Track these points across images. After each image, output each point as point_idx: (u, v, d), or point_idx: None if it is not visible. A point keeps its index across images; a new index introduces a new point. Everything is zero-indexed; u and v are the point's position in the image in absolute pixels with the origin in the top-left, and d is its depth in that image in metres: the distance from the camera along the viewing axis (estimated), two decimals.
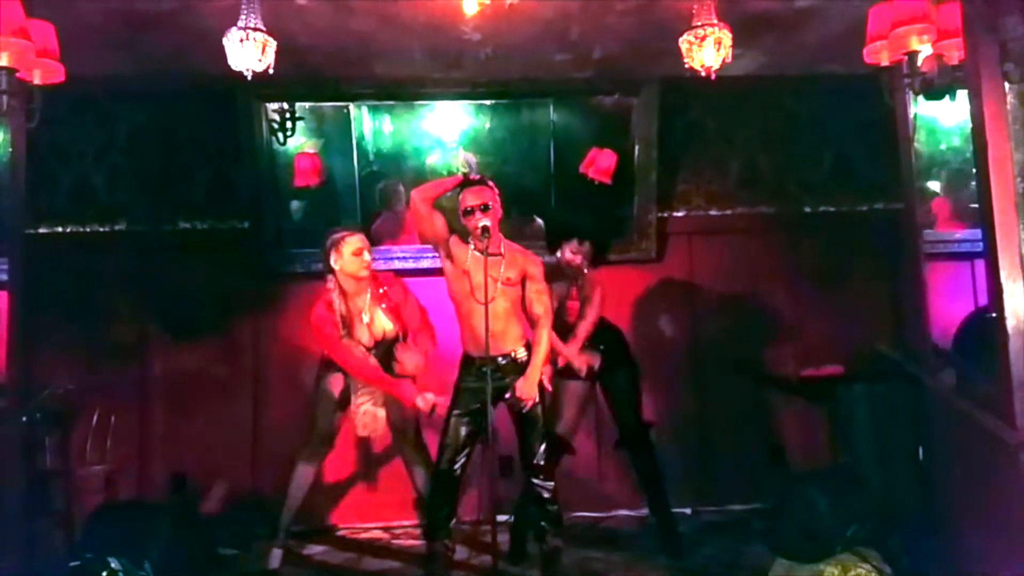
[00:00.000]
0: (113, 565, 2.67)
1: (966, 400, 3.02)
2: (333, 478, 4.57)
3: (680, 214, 4.95)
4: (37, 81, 3.17)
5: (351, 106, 4.86)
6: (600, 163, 4.78)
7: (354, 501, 4.58)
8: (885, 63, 3.24)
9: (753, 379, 4.80)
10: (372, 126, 5.04)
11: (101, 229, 4.72)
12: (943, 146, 4.94)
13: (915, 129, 3.50)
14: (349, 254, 3.72)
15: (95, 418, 4.18)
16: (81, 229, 4.71)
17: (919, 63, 3.00)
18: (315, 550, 4.33)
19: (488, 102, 4.96)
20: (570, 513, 4.30)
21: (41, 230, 4.61)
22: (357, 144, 4.92)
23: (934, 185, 4.97)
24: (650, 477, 4.08)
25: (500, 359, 3.54)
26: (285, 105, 4.69)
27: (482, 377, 3.45)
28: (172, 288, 4.68)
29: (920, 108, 3.53)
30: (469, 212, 3.52)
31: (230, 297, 4.71)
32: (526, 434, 3.59)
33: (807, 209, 4.96)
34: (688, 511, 4.61)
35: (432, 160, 5.06)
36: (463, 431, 3.60)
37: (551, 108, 4.95)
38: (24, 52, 2.98)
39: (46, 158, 4.57)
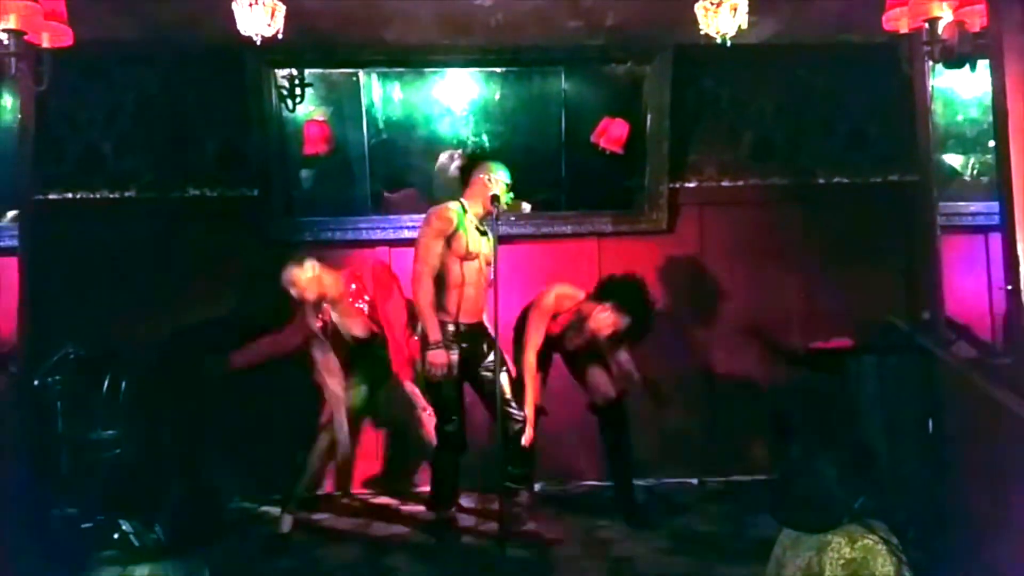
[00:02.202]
0: (124, 527, 2.70)
1: (978, 373, 3.00)
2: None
3: (692, 185, 4.91)
4: (45, 44, 3.15)
5: (360, 73, 4.82)
6: (612, 132, 4.74)
7: (362, 468, 4.60)
8: (904, 30, 3.18)
9: (762, 350, 4.80)
10: (382, 94, 5.00)
11: (111, 196, 4.72)
12: (960, 117, 4.88)
13: (932, 99, 3.44)
14: (299, 291, 3.84)
15: (106, 383, 4.20)
16: (91, 196, 4.72)
17: (939, 30, 2.94)
18: (324, 516, 4.38)
19: (499, 70, 4.91)
20: (576, 482, 4.33)
21: (51, 196, 4.61)
22: (367, 112, 4.89)
23: (950, 157, 4.93)
24: (617, 447, 4.08)
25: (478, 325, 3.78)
26: (294, 71, 4.66)
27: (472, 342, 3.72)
28: (181, 255, 4.68)
29: (936, 79, 3.48)
30: (495, 183, 3.77)
31: (240, 264, 4.70)
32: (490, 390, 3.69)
33: (820, 180, 4.92)
34: (695, 481, 4.63)
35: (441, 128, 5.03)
36: (455, 395, 3.75)
37: (562, 76, 4.90)
38: (32, 14, 2.96)
39: (55, 124, 4.55)
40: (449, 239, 3.66)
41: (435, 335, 3.61)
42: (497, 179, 3.76)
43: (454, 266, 3.68)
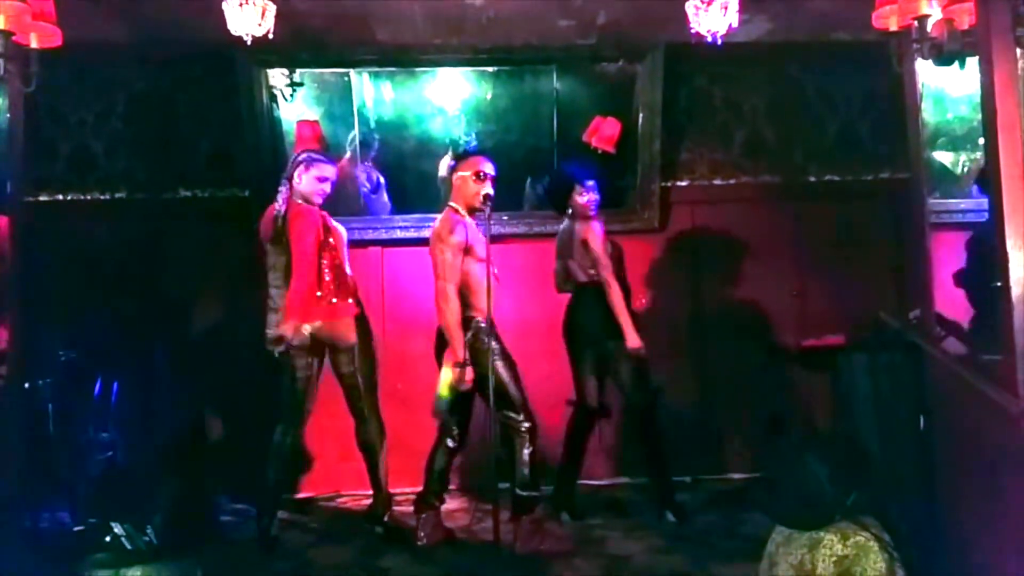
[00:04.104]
0: (116, 530, 2.69)
1: (969, 369, 3.01)
2: (333, 446, 4.60)
3: (683, 183, 4.92)
4: (34, 45, 3.13)
5: (352, 73, 4.81)
6: (604, 131, 4.74)
7: (355, 468, 4.59)
8: (894, 28, 3.19)
9: (755, 348, 4.81)
10: (373, 94, 5.00)
11: (101, 197, 4.72)
12: (950, 115, 4.90)
13: (922, 97, 3.45)
14: (313, 177, 3.82)
15: (98, 385, 4.19)
16: (81, 197, 4.71)
17: (929, 28, 2.95)
18: (316, 516, 4.38)
19: (490, 69, 4.91)
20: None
21: (42, 198, 4.61)
22: (358, 112, 4.88)
23: (940, 155, 4.95)
24: (654, 445, 4.11)
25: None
26: (286, 71, 4.65)
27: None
28: (173, 256, 4.68)
29: (927, 78, 3.48)
30: (483, 177, 3.73)
31: (231, 265, 4.69)
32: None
33: (811, 178, 4.94)
34: (688, 479, 4.63)
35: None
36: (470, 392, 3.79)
37: (554, 75, 4.91)
38: (20, 15, 2.94)
39: (45, 125, 4.54)
40: (468, 248, 3.67)
41: (464, 353, 3.58)
42: (485, 172, 3.75)
43: (476, 268, 3.68)
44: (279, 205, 3.81)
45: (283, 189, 3.84)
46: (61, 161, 4.65)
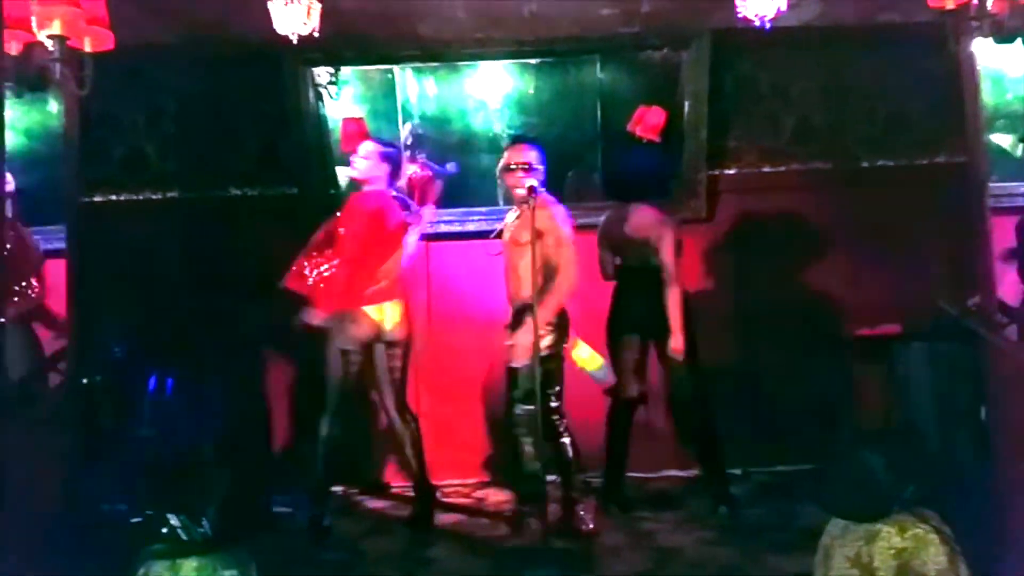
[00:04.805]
0: (172, 521, 2.74)
1: None
2: (384, 438, 4.63)
3: (731, 172, 4.84)
4: (88, 49, 3.19)
5: (396, 69, 4.84)
6: (648, 120, 4.66)
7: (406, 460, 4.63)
8: (951, 6, 3.09)
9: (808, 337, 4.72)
10: (417, 90, 5.03)
11: (154, 197, 4.82)
12: (1009, 95, 4.73)
13: (980, 77, 3.34)
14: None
15: (152, 381, 4.28)
16: (134, 197, 4.81)
17: (989, 5, 2.85)
18: (370, 507, 4.43)
19: (533, 61, 4.90)
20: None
21: (96, 199, 4.71)
22: (402, 108, 4.91)
23: (998, 137, 4.79)
24: (707, 434, 4.09)
25: None
26: (331, 69, 4.69)
27: None
28: (223, 253, 4.75)
29: (984, 57, 3.36)
30: (511, 168, 3.76)
31: (280, 261, 4.74)
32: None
33: (864, 164, 4.82)
34: (739, 472, 4.56)
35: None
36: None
37: (598, 66, 4.88)
38: (75, 19, 2.99)
39: (98, 127, 4.63)
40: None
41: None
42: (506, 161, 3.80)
43: None
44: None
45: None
46: (114, 162, 4.75)
